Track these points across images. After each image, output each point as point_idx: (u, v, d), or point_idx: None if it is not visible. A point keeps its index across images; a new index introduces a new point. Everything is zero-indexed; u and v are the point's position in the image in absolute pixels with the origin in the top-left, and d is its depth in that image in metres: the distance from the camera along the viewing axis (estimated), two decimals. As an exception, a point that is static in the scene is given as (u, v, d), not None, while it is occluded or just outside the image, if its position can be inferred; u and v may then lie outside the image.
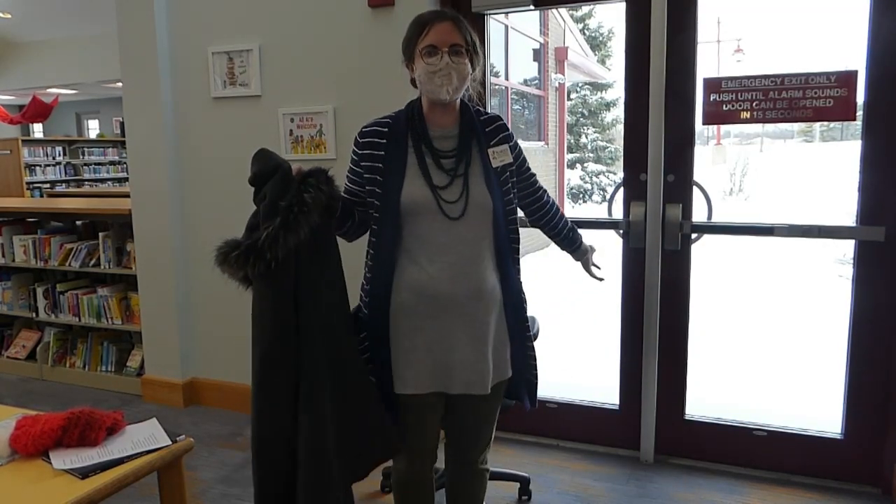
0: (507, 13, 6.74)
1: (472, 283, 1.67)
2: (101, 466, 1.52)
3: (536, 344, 2.28)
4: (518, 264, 1.82)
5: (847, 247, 6.15)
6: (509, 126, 1.83)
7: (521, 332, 1.81)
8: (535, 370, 1.87)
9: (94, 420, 1.63)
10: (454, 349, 1.67)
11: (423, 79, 1.67)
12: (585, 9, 14.76)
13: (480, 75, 1.81)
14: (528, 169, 1.89)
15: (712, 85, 2.55)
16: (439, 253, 1.66)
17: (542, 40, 10.44)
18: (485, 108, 1.99)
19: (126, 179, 6.62)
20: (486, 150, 1.72)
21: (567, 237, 2.05)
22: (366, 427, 1.67)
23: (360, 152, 1.75)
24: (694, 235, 2.72)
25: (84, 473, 1.49)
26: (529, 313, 2.38)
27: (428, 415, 1.77)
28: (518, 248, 1.80)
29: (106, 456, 1.57)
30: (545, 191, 1.98)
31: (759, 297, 6.29)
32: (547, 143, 10.70)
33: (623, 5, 2.69)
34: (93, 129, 15.61)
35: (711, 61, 16.85)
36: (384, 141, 1.71)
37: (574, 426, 3.00)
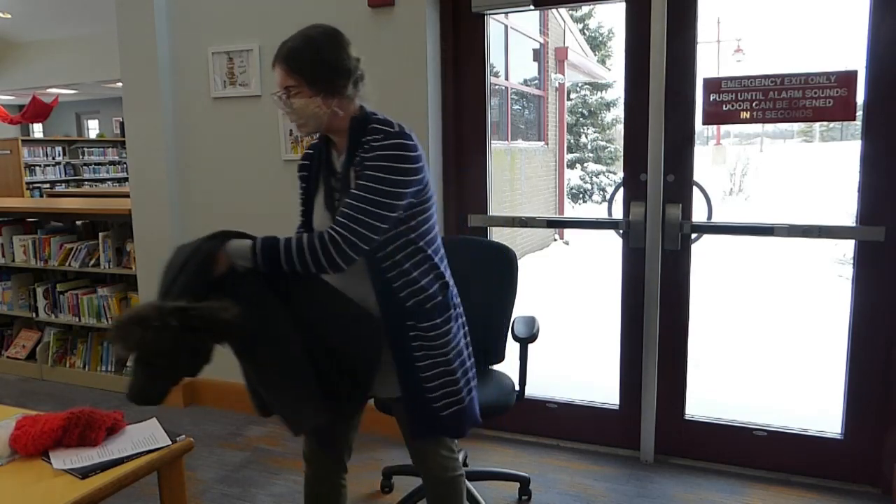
0: (507, 13, 6.74)
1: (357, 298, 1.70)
2: (101, 466, 1.52)
3: (536, 344, 2.29)
4: (402, 294, 1.65)
5: (847, 247, 6.15)
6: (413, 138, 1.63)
7: (406, 359, 1.67)
8: (434, 405, 1.70)
9: (94, 420, 1.63)
10: None
11: None
12: (585, 9, 14.75)
13: (353, 89, 1.65)
14: (357, 195, 1.56)
15: (712, 85, 2.55)
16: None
17: (542, 40, 10.44)
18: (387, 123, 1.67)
19: (126, 179, 6.62)
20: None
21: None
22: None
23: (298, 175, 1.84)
24: (694, 235, 2.72)
25: (84, 473, 1.49)
26: (529, 313, 2.40)
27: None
28: (395, 277, 1.64)
29: (106, 456, 1.57)
30: (340, 231, 1.55)
31: (758, 297, 6.29)
32: (547, 143, 10.70)
33: (623, 5, 2.69)
34: (93, 129, 15.60)
35: (711, 61, 16.83)
36: (306, 174, 1.80)
37: (574, 426, 3.00)
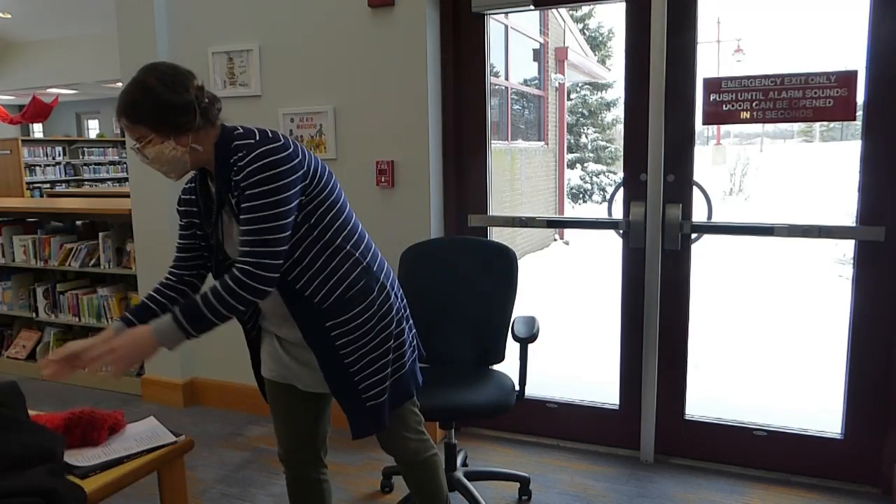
0: (507, 13, 6.74)
1: (278, 308, 1.70)
2: (103, 466, 1.51)
3: (536, 344, 2.30)
4: (317, 298, 1.64)
5: (847, 247, 6.15)
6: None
7: (332, 360, 1.68)
8: (363, 396, 1.70)
9: (96, 420, 1.63)
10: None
11: None
12: (585, 9, 14.75)
13: (203, 120, 1.57)
14: (246, 220, 1.53)
15: (712, 85, 2.55)
16: None
17: (542, 40, 10.44)
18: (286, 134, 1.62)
19: (126, 179, 6.62)
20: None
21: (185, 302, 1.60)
22: None
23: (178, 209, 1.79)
24: (694, 235, 2.72)
25: (84, 473, 1.49)
26: (529, 313, 2.41)
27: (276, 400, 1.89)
28: (305, 284, 1.62)
29: (111, 454, 1.56)
30: (246, 263, 1.53)
31: (758, 297, 6.29)
32: (547, 143, 10.70)
33: (623, 5, 2.69)
34: (93, 129, 15.61)
35: (711, 61, 16.86)
36: (187, 209, 1.75)
37: (574, 426, 3.01)
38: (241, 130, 1.60)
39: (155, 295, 1.74)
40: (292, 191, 1.55)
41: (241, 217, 1.54)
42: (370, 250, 1.75)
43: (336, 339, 1.66)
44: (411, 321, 1.85)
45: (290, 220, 1.56)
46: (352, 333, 1.67)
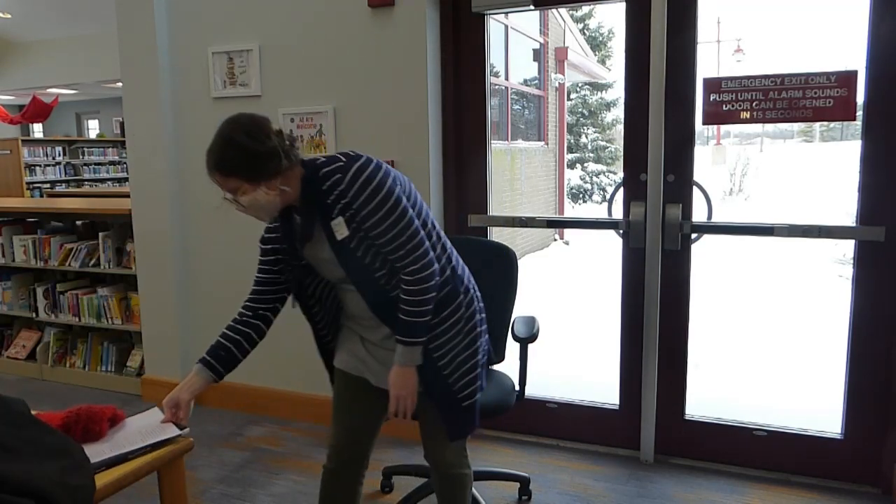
0: (507, 13, 6.74)
1: (366, 312, 1.78)
2: (108, 463, 1.50)
3: (536, 344, 2.29)
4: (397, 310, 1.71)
5: (847, 247, 6.15)
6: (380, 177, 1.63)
7: (427, 366, 1.76)
8: (458, 396, 1.80)
9: (95, 414, 1.62)
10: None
11: None
12: (585, 9, 14.76)
13: (288, 162, 1.62)
14: (383, 234, 1.63)
15: (712, 85, 2.55)
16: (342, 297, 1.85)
17: (542, 40, 10.44)
18: (334, 158, 1.67)
19: (126, 179, 6.62)
20: (328, 223, 1.65)
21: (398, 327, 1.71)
22: None
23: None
24: (694, 235, 2.72)
25: (88, 471, 1.48)
26: (529, 313, 2.40)
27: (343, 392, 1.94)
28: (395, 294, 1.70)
29: (116, 450, 1.55)
30: (413, 270, 1.65)
31: (758, 296, 6.29)
32: (547, 143, 10.70)
33: (623, 5, 2.69)
34: (93, 129, 15.60)
35: (711, 61, 16.86)
36: (273, 246, 1.81)
37: (574, 426, 3.01)
38: (324, 159, 1.67)
39: (229, 332, 1.82)
40: (397, 189, 1.64)
41: (371, 234, 1.63)
42: (454, 254, 1.83)
43: (429, 342, 1.73)
44: (486, 325, 1.90)
45: (411, 212, 1.65)
46: (443, 336, 1.75)
